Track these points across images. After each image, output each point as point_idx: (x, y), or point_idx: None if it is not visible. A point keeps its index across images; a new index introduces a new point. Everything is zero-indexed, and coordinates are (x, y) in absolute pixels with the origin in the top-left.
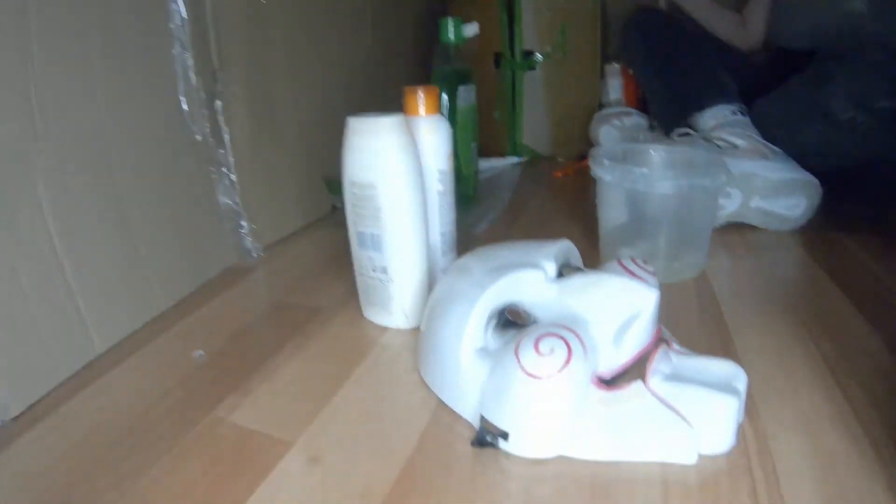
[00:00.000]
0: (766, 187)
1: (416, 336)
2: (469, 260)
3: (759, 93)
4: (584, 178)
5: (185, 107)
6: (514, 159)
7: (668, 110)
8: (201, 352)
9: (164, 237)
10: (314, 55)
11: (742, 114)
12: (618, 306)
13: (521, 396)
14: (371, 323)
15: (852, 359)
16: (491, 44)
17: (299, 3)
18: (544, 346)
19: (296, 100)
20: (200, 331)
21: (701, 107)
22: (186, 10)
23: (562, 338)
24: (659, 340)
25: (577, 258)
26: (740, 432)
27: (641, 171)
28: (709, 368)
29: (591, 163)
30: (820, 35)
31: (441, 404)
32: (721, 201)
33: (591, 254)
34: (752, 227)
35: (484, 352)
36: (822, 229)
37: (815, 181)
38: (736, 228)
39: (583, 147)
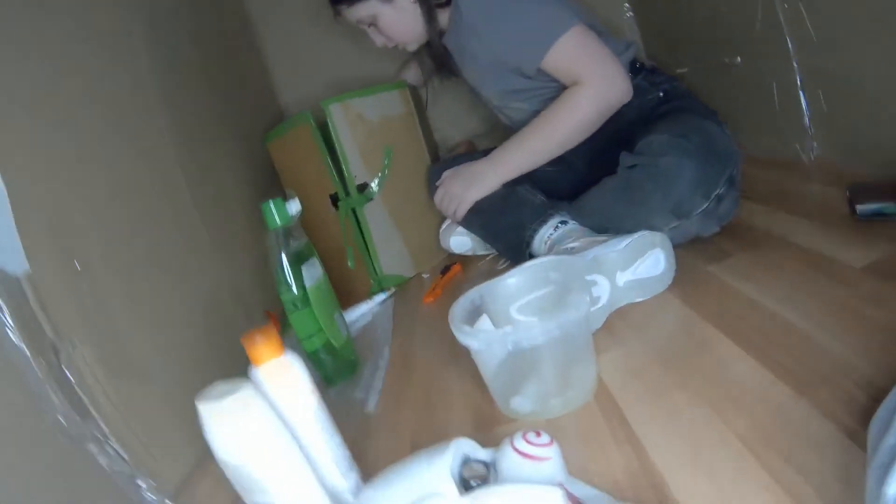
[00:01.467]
0: (623, 260)
1: None
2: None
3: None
4: (454, 291)
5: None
6: (381, 296)
7: (508, 252)
8: None
9: None
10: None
11: (563, 223)
12: None
13: None
14: None
15: (770, 434)
16: (323, 188)
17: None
18: None
19: (154, 350)
20: None
21: (528, 238)
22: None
23: None
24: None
25: (474, 449)
26: None
27: (505, 332)
28: None
29: (455, 332)
30: None
31: None
32: (594, 294)
33: (486, 397)
34: (630, 305)
35: None
36: (690, 273)
37: (658, 232)
38: (617, 314)
39: (441, 255)
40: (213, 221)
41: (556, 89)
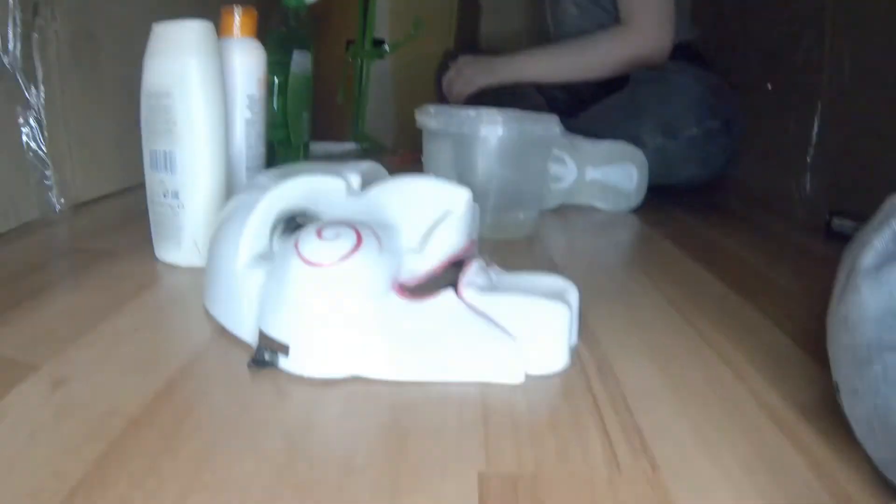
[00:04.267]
0: (596, 156)
1: None
2: (263, 174)
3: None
4: (419, 166)
5: None
6: (350, 145)
7: None
8: None
9: None
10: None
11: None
12: (423, 207)
13: (299, 292)
14: (163, 264)
15: (696, 299)
16: (344, 29)
17: None
18: (329, 232)
19: (125, 48)
20: None
21: None
22: None
23: (351, 226)
24: (474, 254)
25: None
26: (576, 355)
27: (468, 113)
28: (534, 283)
29: (416, 114)
30: None
31: (221, 331)
32: (557, 171)
33: None
34: (591, 208)
35: (263, 259)
36: (659, 209)
37: (640, 151)
38: (574, 208)
39: None
40: None
41: (609, 17)
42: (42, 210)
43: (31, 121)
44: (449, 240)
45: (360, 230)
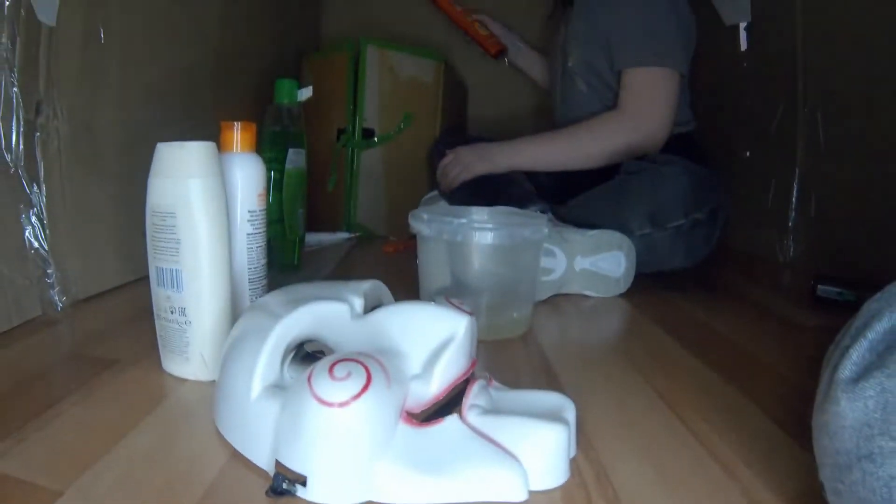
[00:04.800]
0: (585, 245)
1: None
2: (269, 297)
3: (568, 190)
4: (414, 255)
5: (1, 134)
6: (344, 235)
7: None
8: None
9: None
10: (150, 97)
11: (542, 211)
12: (426, 334)
13: (315, 429)
14: (170, 376)
15: (685, 390)
16: (335, 119)
17: (136, 48)
18: (340, 370)
19: (125, 146)
20: None
21: None
22: (19, 32)
23: (360, 362)
24: (475, 374)
25: (389, 300)
26: (574, 465)
27: (460, 221)
28: (532, 401)
29: (410, 218)
30: None
31: (235, 454)
32: (547, 264)
33: None
34: (582, 296)
35: (277, 388)
36: (648, 291)
37: (627, 238)
38: (565, 297)
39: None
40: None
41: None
42: (44, 308)
43: (34, 218)
44: (452, 365)
45: (370, 366)
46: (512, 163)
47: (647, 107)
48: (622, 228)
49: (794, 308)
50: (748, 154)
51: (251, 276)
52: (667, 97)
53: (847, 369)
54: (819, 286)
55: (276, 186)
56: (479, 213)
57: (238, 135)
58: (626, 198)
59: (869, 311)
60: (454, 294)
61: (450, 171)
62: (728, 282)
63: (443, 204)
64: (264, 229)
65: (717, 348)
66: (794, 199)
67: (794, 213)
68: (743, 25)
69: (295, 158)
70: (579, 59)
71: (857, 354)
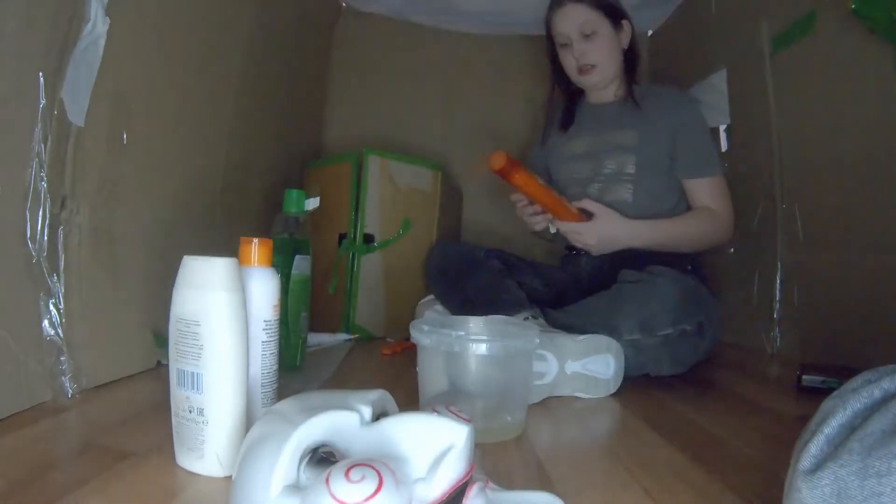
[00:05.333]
0: (575, 350)
1: (229, 485)
2: (283, 404)
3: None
4: (411, 357)
5: (28, 225)
6: (344, 336)
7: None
8: None
9: None
10: (165, 200)
11: (534, 317)
12: (429, 442)
13: None
14: (183, 470)
15: (672, 489)
16: (337, 224)
17: (154, 153)
18: (355, 474)
19: (139, 245)
20: None
21: None
22: (51, 131)
23: (373, 467)
24: (473, 477)
25: (394, 408)
26: None
27: (458, 333)
28: (525, 501)
29: (411, 329)
30: None
31: None
32: (540, 369)
33: None
34: (574, 398)
35: (295, 488)
36: (637, 391)
37: (615, 342)
38: (557, 399)
39: None
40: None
41: (658, 198)
42: (55, 393)
43: (52, 307)
44: (453, 470)
45: (381, 470)
46: (635, 241)
47: (730, 209)
48: (612, 332)
49: (780, 399)
50: (732, 251)
51: (263, 381)
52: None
53: (806, 461)
54: (804, 376)
55: (281, 290)
56: (475, 324)
57: (256, 249)
58: (618, 304)
59: (826, 408)
60: (451, 399)
61: (587, 236)
62: (717, 376)
63: (438, 307)
64: (277, 337)
65: (703, 444)
66: (777, 291)
67: (778, 305)
68: (723, 128)
69: (301, 265)
70: (622, 167)
71: (815, 448)
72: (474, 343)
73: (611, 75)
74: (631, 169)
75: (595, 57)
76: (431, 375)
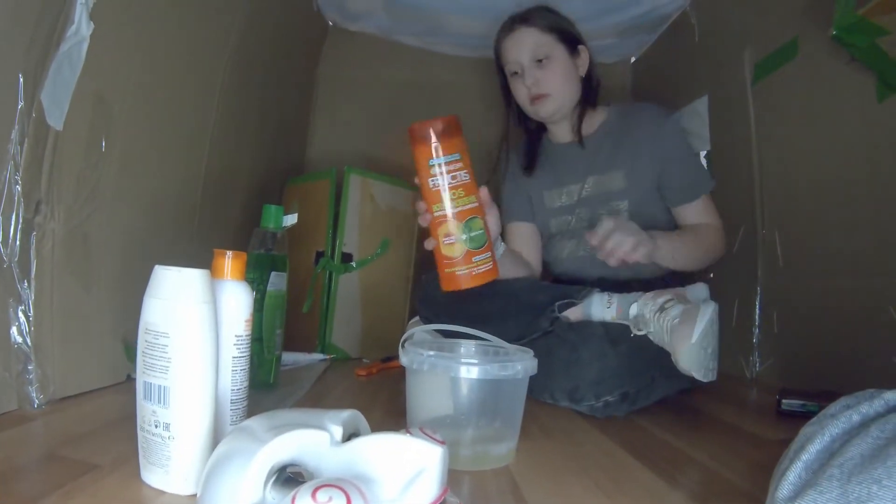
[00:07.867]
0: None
1: (194, 502)
2: (252, 421)
3: None
4: (387, 379)
5: (0, 228)
6: (319, 356)
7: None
8: None
9: None
10: (142, 209)
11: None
12: (401, 463)
13: None
14: (148, 486)
15: None
16: (314, 242)
17: (133, 161)
18: (322, 495)
19: (114, 253)
20: None
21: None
22: (28, 133)
23: (341, 488)
24: (446, 500)
25: (366, 429)
26: None
27: (450, 361)
28: None
29: (400, 352)
30: None
31: None
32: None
33: None
34: (551, 417)
35: None
36: (617, 417)
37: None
38: (535, 423)
39: (390, 352)
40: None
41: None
42: (21, 402)
43: (20, 314)
44: (425, 493)
45: (349, 492)
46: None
47: (720, 220)
48: (550, 397)
49: (760, 423)
50: (711, 276)
51: (233, 398)
52: None
53: (785, 489)
54: (783, 400)
55: (256, 307)
56: (467, 349)
57: (229, 262)
58: (550, 369)
59: (805, 435)
60: (442, 424)
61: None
62: (696, 401)
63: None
64: (248, 353)
65: (683, 469)
66: (757, 317)
67: (757, 331)
68: (704, 153)
69: (276, 281)
70: (616, 212)
71: (793, 475)
72: (465, 367)
73: (567, 105)
74: (625, 211)
75: (549, 86)
76: (420, 400)
